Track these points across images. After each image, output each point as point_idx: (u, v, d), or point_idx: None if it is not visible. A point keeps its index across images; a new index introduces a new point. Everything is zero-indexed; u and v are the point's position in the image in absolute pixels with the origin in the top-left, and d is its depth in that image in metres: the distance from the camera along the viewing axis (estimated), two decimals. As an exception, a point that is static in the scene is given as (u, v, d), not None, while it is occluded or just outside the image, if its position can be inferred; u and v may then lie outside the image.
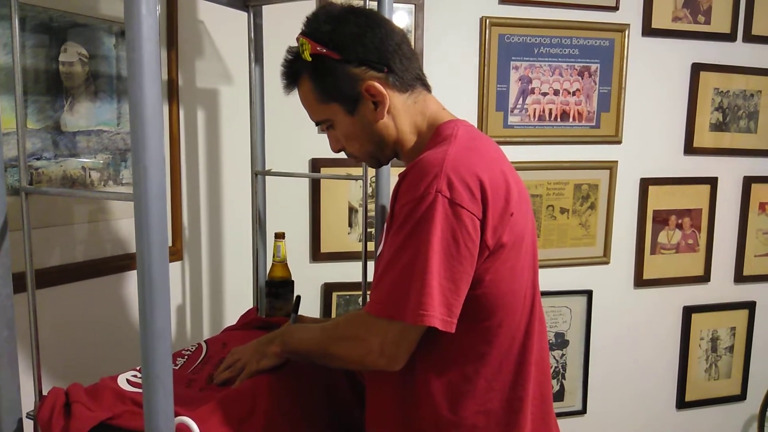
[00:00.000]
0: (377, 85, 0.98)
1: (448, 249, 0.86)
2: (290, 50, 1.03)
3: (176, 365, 1.20)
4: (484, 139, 1.01)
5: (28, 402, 1.06)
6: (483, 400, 0.97)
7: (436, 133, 1.01)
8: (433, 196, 0.86)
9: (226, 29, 1.68)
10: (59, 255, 1.36)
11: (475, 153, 0.94)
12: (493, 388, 0.97)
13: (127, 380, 1.10)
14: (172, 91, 1.57)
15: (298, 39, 1.01)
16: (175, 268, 1.66)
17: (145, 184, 0.76)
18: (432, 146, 0.97)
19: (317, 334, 1.05)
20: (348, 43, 0.97)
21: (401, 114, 1.02)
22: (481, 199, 0.89)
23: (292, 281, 1.50)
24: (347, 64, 0.97)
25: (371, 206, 1.76)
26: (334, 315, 1.89)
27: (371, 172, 1.41)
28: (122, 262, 1.48)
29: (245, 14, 1.50)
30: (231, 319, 1.72)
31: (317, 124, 1.08)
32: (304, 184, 1.89)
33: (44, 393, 1.04)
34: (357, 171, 1.43)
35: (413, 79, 1.02)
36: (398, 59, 0.99)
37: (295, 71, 1.03)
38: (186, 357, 1.25)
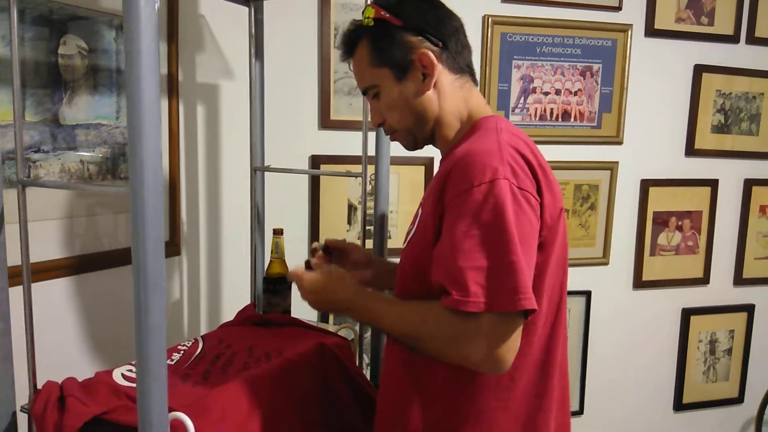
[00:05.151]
0: (431, 54, 0.99)
1: (523, 233, 0.87)
2: (354, 21, 1.07)
3: (172, 360, 1.20)
4: (528, 140, 1.01)
5: (22, 395, 1.06)
6: (504, 396, 0.96)
7: (477, 125, 1.01)
8: (502, 181, 0.86)
9: (227, 24, 1.67)
10: (57, 248, 1.35)
11: (526, 149, 0.94)
12: (517, 385, 0.96)
13: (123, 375, 1.10)
14: (171, 86, 1.57)
15: (365, 8, 1.04)
16: (173, 263, 1.66)
17: (141, 178, 0.76)
18: (471, 136, 0.98)
19: (404, 325, 0.97)
20: (411, 13, 1.00)
21: (447, 93, 1.03)
22: (537, 191, 0.91)
23: (290, 278, 1.49)
24: (406, 32, 1.00)
25: (370, 204, 1.75)
26: (331, 316, 1.86)
27: (371, 169, 1.41)
28: (120, 257, 1.47)
29: (246, 9, 1.50)
30: (228, 314, 1.72)
31: (364, 93, 1.09)
32: (304, 181, 1.88)
33: (39, 387, 1.04)
34: (356, 168, 1.43)
35: (464, 65, 1.05)
36: (454, 41, 1.03)
37: (355, 37, 1.05)
38: (182, 352, 1.24)
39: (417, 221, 1.02)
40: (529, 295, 0.85)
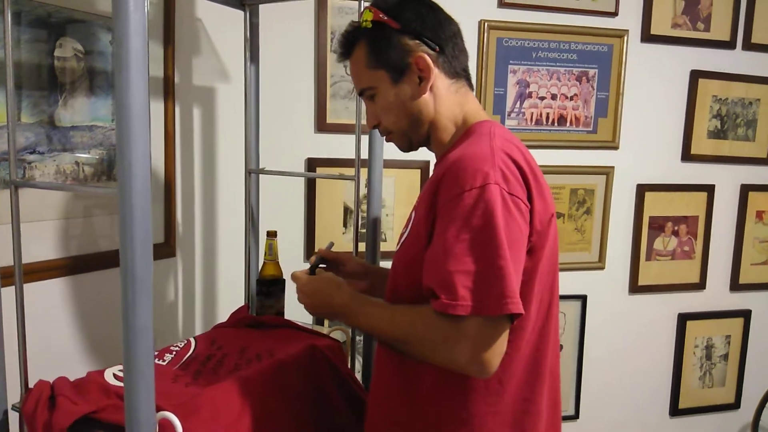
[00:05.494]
0: (427, 58, 1.00)
1: (513, 238, 0.87)
2: (352, 23, 1.08)
3: (164, 361, 1.21)
4: (520, 145, 1.01)
5: (15, 394, 1.07)
6: (493, 400, 0.97)
7: (471, 130, 1.02)
8: (493, 187, 0.87)
9: (223, 27, 1.68)
10: (53, 249, 1.36)
11: (518, 155, 0.95)
12: (505, 389, 0.97)
13: (114, 375, 1.10)
14: (167, 88, 1.58)
15: (363, 10, 1.05)
16: (168, 264, 1.67)
17: (129, 179, 0.77)
18: (464, 141, 0.99)
19: (393, 329, 0.98)
20: (409, 16, 1.02)
21: (442, 97, 1.04)
22: (527, 196, 0.92)
23: (284, 280, 1.50)
24: (404, 35, 1.01)
25: (364, 207, 1.76)
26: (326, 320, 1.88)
27: (363, 173, 1.42)
28: (115, 258, 1.47)
29: (242, 13, 1.51)
30: (223, 316, 1.72)
31: (360, 95, 1.10)
32: (300, 184, 1.89)
33: (31, 386, 1.05)
34: (350, 171, 1.44)
35: (461, 70, 1.06)
36: (451, 45, 1.04)
37: (353, 38, 1.06)
38: (174, 353, 1.25)
39: (410, 225, 1.03)
40: (515, 299, 0.85)
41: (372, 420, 1.09)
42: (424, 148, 1.12)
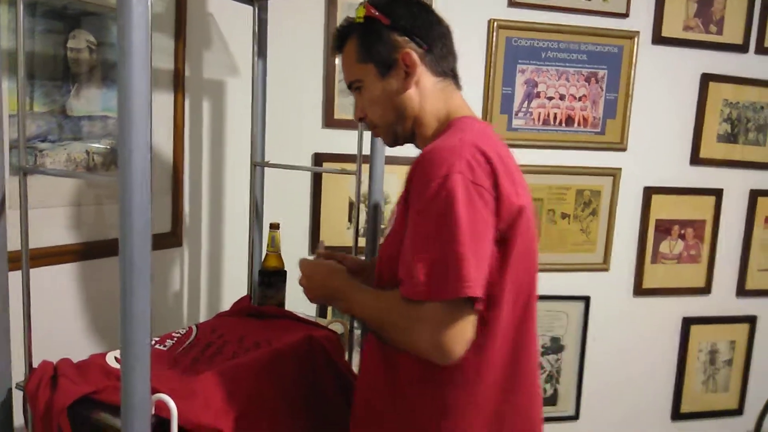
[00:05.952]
0: (414, 54, 1.04)
1: (475, 227, 0.89)
2: (346, 18, 1.12)
3: (164, 346, 1.24)
4: (497, 140, 1.02)
5: (20, 373, 1.11)
6: (472, 391, 0.98)
7: (450, 125, 1.05)
8: (456, 176, 0.89)
9: (234, 23, 1.71)
10: (63, 235, 1.40)
11: (489, 148, 0.96)
12: (483, 381, 0.99)
13: (115, 358, 1.14)
14: (178, 81, 1.61)
15: (358, 7, 1.09)
16: (174, 253, 1.70)
17: (129, 168, 0.79)
18: (444, 134, 1.01)
19: (373, 314, 1.04)
20: (400, 14, 1.06)
21: (428, 94, 1.07)
22: (492, 185, 0.92)
23: (285, 271, 1.52)
24: (393, 31, 1.05)
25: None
26: (329, 310, 1.91)
27: (365, 168, 1.44)
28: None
29: (251, 8, 1.54)
30: (228, 305, 1.75)
31: (349, 87, 1.13)
32: (307, 178, 1.92)
33: (35, 366, 1.08)
34: (352, 167, 1.46)
35: (448, 70, 1.09)
36: (440, 45, 1.07)
37: (346, 33, 1.10)
38: (175, 339, 1.28)
39: (392, 220, 1.05)
40: (472, 283, 0.87)
41: (357, 408, 1.11)
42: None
